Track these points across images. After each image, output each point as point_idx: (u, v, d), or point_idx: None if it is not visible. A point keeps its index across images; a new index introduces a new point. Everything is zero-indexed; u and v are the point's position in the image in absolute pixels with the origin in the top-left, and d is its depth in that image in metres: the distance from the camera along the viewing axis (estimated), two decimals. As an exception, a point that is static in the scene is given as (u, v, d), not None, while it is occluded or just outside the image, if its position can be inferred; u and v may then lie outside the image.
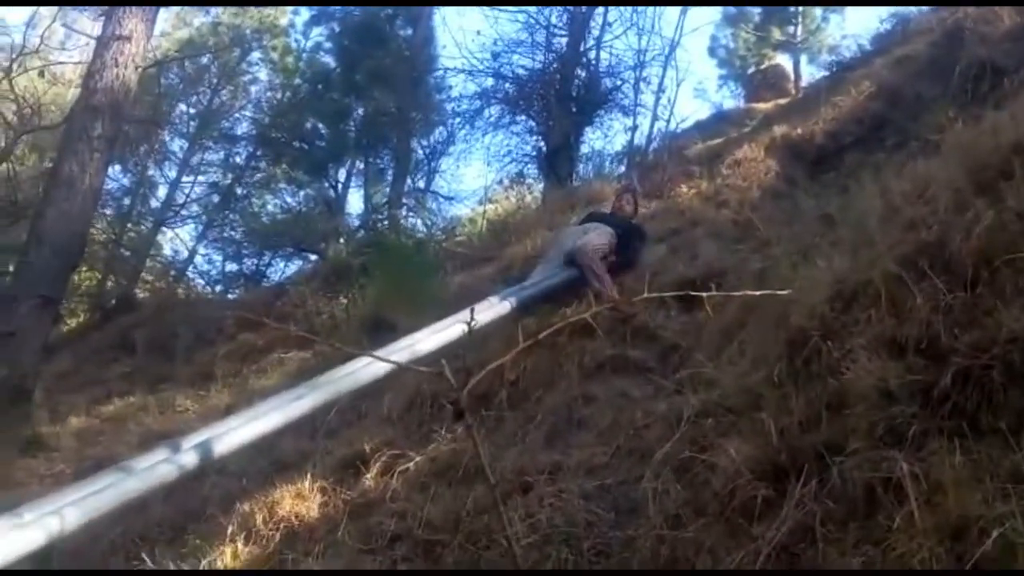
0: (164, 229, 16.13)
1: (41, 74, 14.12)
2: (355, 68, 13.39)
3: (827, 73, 11.09)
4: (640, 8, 11.87)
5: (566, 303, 5.16)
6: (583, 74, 12.73)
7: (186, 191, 16.24)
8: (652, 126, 11.35)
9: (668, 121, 11.20)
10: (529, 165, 13.46)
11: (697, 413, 3.18)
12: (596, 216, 5.92)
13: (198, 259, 15.92)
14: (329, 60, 14.76)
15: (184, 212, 16.10)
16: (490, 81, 13.43)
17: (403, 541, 3.39)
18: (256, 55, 15.98)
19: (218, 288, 14.98)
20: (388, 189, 14.55)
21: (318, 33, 15.33)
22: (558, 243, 5.60)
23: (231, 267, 15.22)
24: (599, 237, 5.35)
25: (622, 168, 11.41)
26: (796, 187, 6.58)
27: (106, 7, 7.66)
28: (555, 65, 12.69)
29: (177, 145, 16.39)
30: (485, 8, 13.32)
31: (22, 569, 1.85)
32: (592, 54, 12.64)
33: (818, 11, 14.17)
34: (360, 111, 13.92)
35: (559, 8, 12.56)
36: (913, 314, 2.61)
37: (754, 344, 3.36)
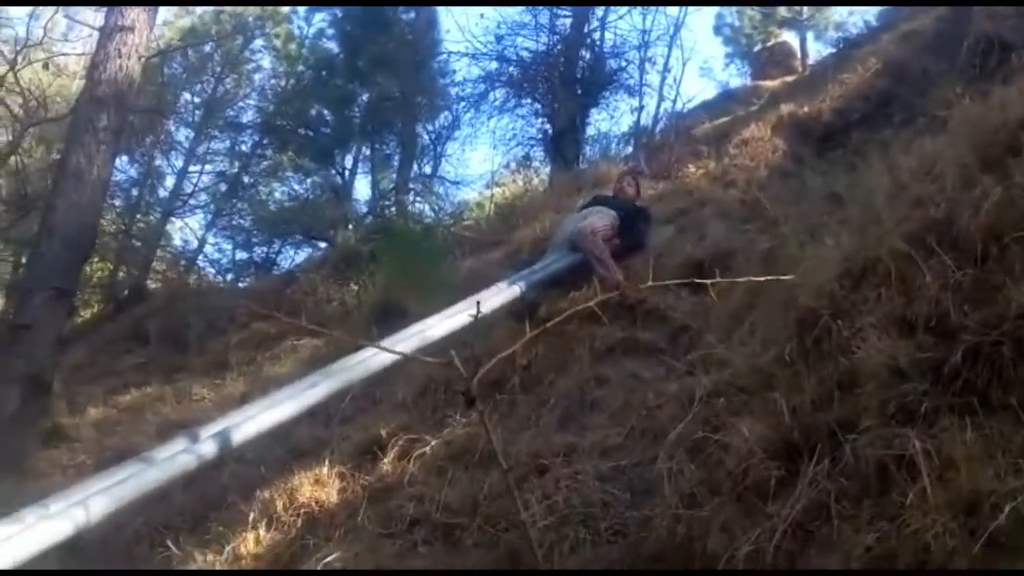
0: (173, 219, 16.15)
1: (45, 66, 14.13)
2: (358, 54, 13.35)
3: (834, 50, 11.02)
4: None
5: (575, 286, 5.19)
6: (587, 55, 12.69)
7: (194, 180, 16.26)
8: (658, 106, 11.36)
9: (674, 101, 11.22)
10: (535, 148, 13.45)
11: (709, 393, 3.22)
12: (599, 200, 5.91)
13: (208, 248, 15.97)
14: (332, 46, 14.72)
15: (192, 201, 16.12)
16: (494, 64, 13.39)
17: (422, 524, 3.45)
18: (259, 42, 15.94)
19: (229, 276, 15.03)
20: (395, 175, 14.55)
21: (320, 19, 15.31)
22: (562, 228, 5.61)
23: (241, 255, 15.26)
24: (600, 219, 5.33)
25: (629, 149, 11.40)
26: (803, 165, 6.58)
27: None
28: (559, 47, 12.63)
29: (183, 135, 16.40)
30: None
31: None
32: (596, 35, 12.60)
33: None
34: (364, 97, 13.89)
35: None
36: (922, 292, 2.63)
37: (764, 324, 3.38)
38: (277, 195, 15.69)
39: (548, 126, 12.89)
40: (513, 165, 13.47)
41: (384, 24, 13.61)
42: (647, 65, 12.02)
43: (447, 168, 15.24)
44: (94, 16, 11.30)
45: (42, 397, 6.33)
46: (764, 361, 3.06)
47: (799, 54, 13.74)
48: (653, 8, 11.88)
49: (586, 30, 12.54)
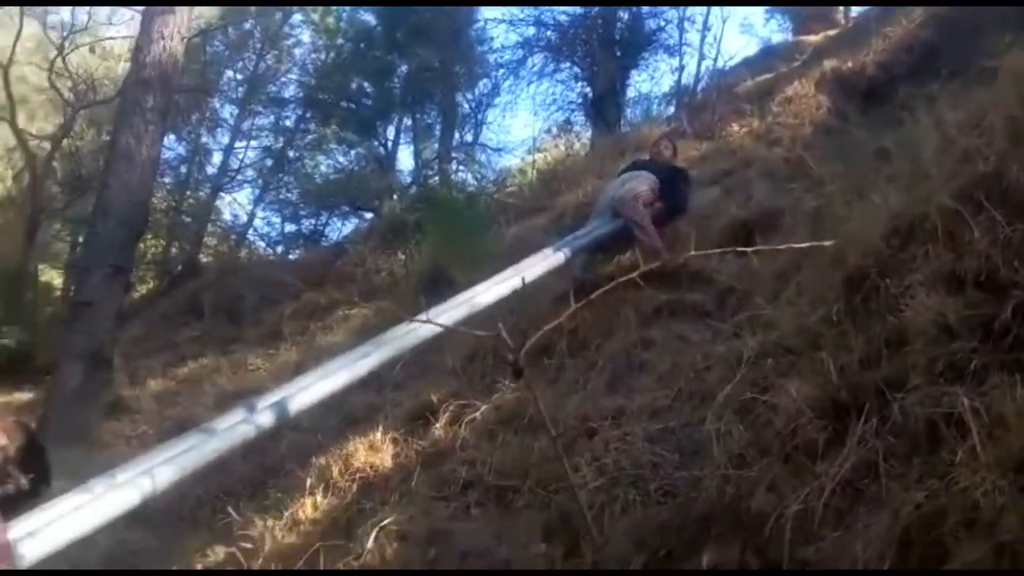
0: (222, 194, 16.44)
1: (92, 50, 14.44)
2: (396, 25, 13.35)
3: (876, 2, 10.72)
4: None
5: (620, 251, 5.20)
6: (625, 16, 12.53)
7: (240, 156, 16.53)
8: (699, 65, 11.21)
9: (715, 59, 11.05)
10: (576, 112, 13.39)
11: (756, 355, 3.21)
12: (637, 164, 5.87)
13: (257, 222, 16.23)
14: (370, 18, 14.72)
15: (240, 177, 16.40)
16: (532, 30, 13.33)
17: (475, 487, 3.54)
18: (297, 17, 15.98)
19: (279, 249, 15.29)
20: (436, 144, 14.60)
21: (358, -9, 15.29)
22: (603, 194, 5.59)
23: (290, 228, 15.50)
24: (640, 184, 5.29)
25: (671, 110, 11.27)
26: (848, 122, 6.46)
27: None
28: (596, 9, 12.48)
29: (228, 112, 16.63)
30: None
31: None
32: (633, -6, 12.42)
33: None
34: (404, 68, 13.90)
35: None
36: (971, 248, 2.59)
37: (811, 284, 3.36)
38: (322, 168, 15.85)
39: (588, 90, 12.81)
40: (554, 130, 13.44)
41: (421, -6, 13.57)
42: (686, 24, 11.85)
43: (488, 135, 15.28)
44: (137, -4, 11.46)
45: (104, 371, 6.56)
46: (811, 321, 3.05)
47: (841, 7, 13.35)
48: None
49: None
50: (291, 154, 15.68)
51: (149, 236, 12.57)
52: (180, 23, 7.46)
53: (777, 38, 14.17)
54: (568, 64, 13.13)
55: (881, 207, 3.22)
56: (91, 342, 6.38)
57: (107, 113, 13.61)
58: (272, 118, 16.27)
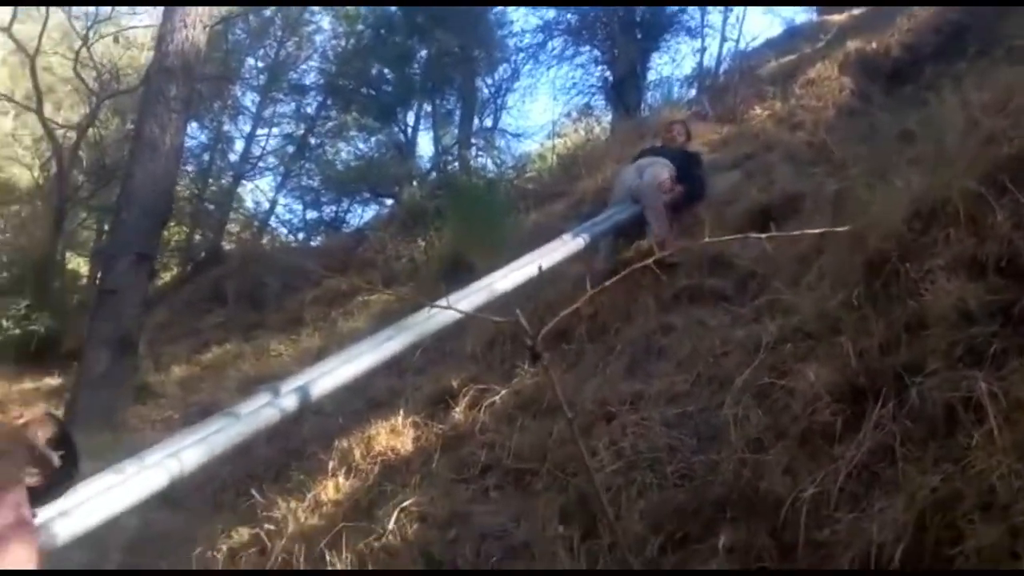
0: (244, 182, 16.54)
1: (116, 40, 14.53)
2: (416, 9, 13.34)
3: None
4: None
5: (641, 235, 5.20)
6: (647, -3, 12.42)
7: (262, 144, 16.61)
8: (721, 47, 11.09)
9: (737, 40, 10.93)
10: (596, 96, 13.34)
11: (776, 339, 3.21)
12: (649, 151, 5.85)
13: (279, 209, 16.34)
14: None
15: (261, 164, 16.49)
16: (551, 12, 13.25)
17: (494, 470, 3.57)
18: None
19: (301, 236, 15.40)
20: (456, 130, 14.60)
21: (378, -23, 15.28)
22: (620, 181, 5.56)
23: (311, 215, 15.59)
24: (661, 170, 5.30)
25: (692, 93, 11.18)
26: (872, 104, 6.39)
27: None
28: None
29: (249, 99, 16.71)
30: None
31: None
32: (654, -24, 12.31)
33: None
34: (423, 53, 13.91)
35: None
36: (993, 232, 2.57)
37: (832, 268, 3.35)
38: (343, 155, 15.88)
39: (608, 73, 12.75)
40: (574, 115, 13.38)
41: (441, -23, 13.54)
42: (708, 5, 11.71)
43: (508, 121, 15.28)
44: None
45: (130, 357, 6.65)
46: (831, 305, 3.04)
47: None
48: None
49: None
50: (312, 141, 15.73)
51: (172, 224, 12.67)
52: (202, 11, 7.51)
53: (801, 18, 13.99)
54: (588, 47, 13.07)
55: (903, 191, 3.20)
56: (117, 329, 6.47)
57: (131, 102, 13.72)
58: (293, 105, 16.34)
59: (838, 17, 10.49)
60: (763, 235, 2.86)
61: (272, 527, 3.75)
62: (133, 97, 13.21)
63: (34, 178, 15.87)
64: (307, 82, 16.15)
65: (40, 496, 1.44)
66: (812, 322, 3.10)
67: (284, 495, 4.01)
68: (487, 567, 2.96)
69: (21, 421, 1.51)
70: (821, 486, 2.21)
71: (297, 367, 4.25)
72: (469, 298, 3.93)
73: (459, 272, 5.95)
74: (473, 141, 14.23)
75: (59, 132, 13.76)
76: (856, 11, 10.25)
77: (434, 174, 13.39)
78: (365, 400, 4.88)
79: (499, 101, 15.18)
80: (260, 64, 16.39)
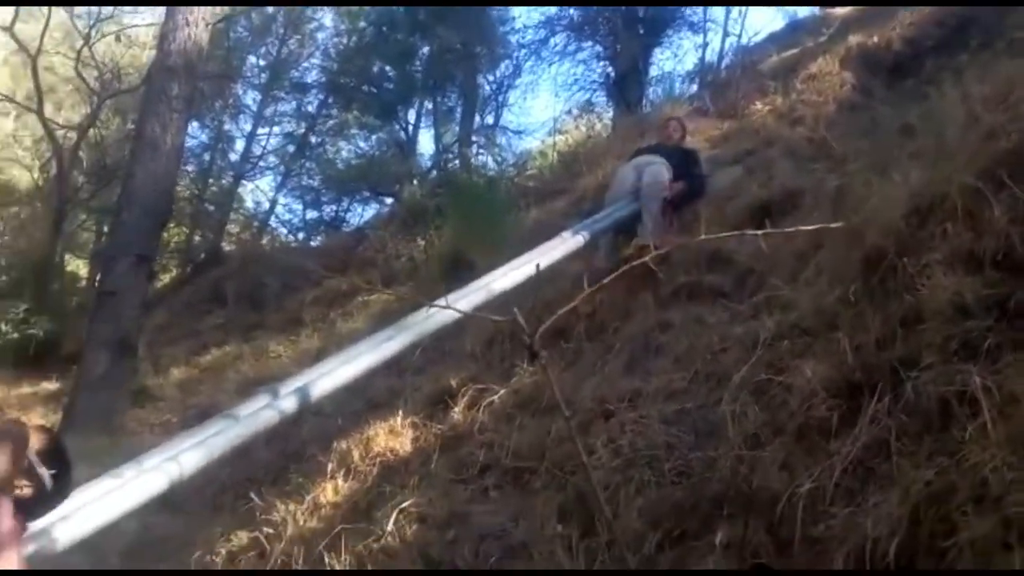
0: (244, 182, 16.60)
1: (118, 39, 14.54)
2: (418, 6, 13.32)
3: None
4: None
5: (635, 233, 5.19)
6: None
7: (262, 143, 16.66)
8: (723, 42, 11.06)
9: (740, 35, 10.90)
10: (597, 93, 13.33)
11: (773, 336, 3.21)
12: (646, 149, 5.84)
13: (279, 209, 16.38)
14: (392, -1, 14.70)
15: (262, 164, 16.54)
16: (554, 8, 13.22)
17: (493, 470, 3.57)
18: (320, -1, 16.00)
19: (301, 236, 15.43)
20: (457, 127, 14.59)
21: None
22: (618, 180, 5.55)
23: (312, 214, 15.62)
24: (663, 170, 5.31)
25: (694, 88, 11.16)
26: (873, 98, 6.37)
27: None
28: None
29: (250, 98, 16.75)
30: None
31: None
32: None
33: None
34: (425, 50, 13.90)
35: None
36: (990, 226, 2.56)
37: (830, 264, 3.34)
38: (344, 153, 15.91)
39: (610, 69, 12.71)
40: (575, 111, 13.36)
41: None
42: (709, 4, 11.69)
43: (509, 118, 15.27)
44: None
45: (129, 360, 6.66)
46: (829, 302, 3.04)
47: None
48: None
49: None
50: (313, 140, 15.75)
51: (172, 224, 12.70)
52: (205, 10, 7.52)
53: (804, 12, 13.95)
54: (590, 43, 13.05)
55: (902, 186, 3.19)
56: (116, 331, 6.48)
57: (132, 102, 13.73)
58: (294, 104, 16.39)
59: (841, 11, 10.46)
60: (759, 232, 2.84)
61: (271, 530, 3.74)
62: (134, 96, 13.23)
63: (34, 179, 15.91)
64: (308, 80, 16.21)
65: (30, 509, 1.43)
66: (809, 318, 3.10)
67: (283, 498, 4.00)
68: (486, 567, 2.96)
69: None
70: (817, 481, 2.21)
71: (296, 368, 4.25)
72: (468, 297, 3.91)
73: (459, 270, 5.96)
74: (474, 139, 14.23)
75: (59, 133, 13.78)
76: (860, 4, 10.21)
77: (435, 172, 13.39)
78: (364, 401, 4.88)
79: (500, 98, 15.20)
80: (262, 62, 16.45)
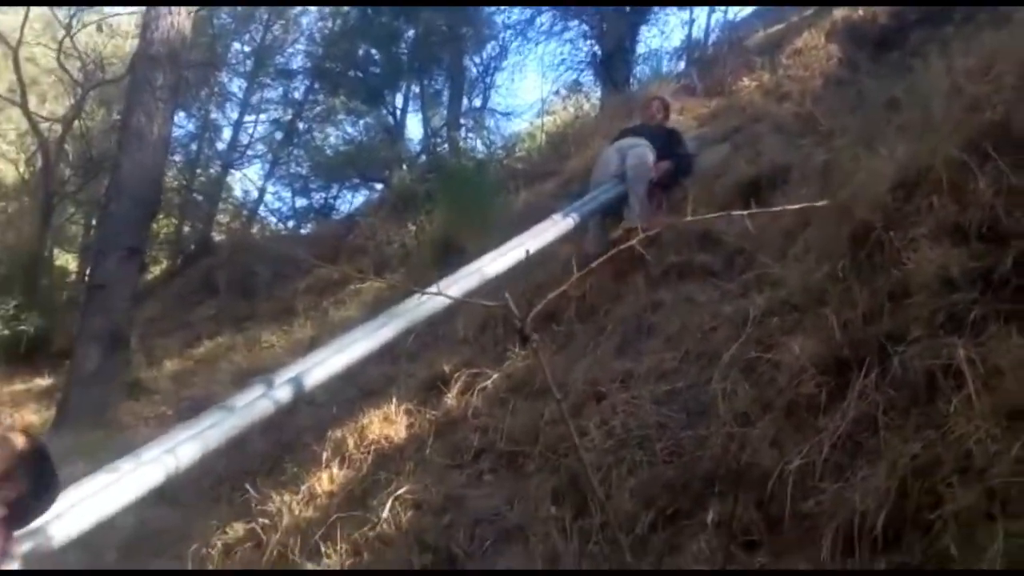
0: (232, 171, 16.48)
1: (99, 28, 14.39)
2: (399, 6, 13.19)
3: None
4: None
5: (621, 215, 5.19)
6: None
7: (249, 131, 16.54)
8: (709, 17, 11.01)
9: (726, 11, 10.84)
10: (585, 72, 13.23)
11: (762, 313, 3.22)
12: (629, 131, 5.82)
13: (268, 197, 16.26)
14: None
15: (250, 152, 16.42)
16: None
17: (487, 454, 3.59)
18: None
19: (290, 224, 15.33)
20: (445, 111, 14.50)
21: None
22: (603, 162, 5.52)
23: (301, 202, 15.49)
24: (648, 152, 5.30)
25: (681, 65, 11.11)
26: (859, 72, 6.36)
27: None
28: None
29: (236, 85, 16.60)
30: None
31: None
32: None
33: None
34: (411, 32, 13.77)
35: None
36: (975, 198, 2.57)
37: (818, 240, 3.35)
38: (332, 140, 15.76)
39: (597, 48, 12.62)
40: (563, 92, 13.29)
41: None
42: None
43: (497, 100, 15.17)
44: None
45: (121, 353, 6.66)
46: (817, 278, 3.05)
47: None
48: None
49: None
50: (300, 126, 15.63)
51: (161, 215, 12.62)
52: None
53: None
54: (576, 22, 12.95)
55: (888, 160, 3.19)
56: (107, 324, 6.47)
57: (116, 92, 13.61)
58: (281, 90, 16.23)
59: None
60: (745, 212, 2.84)
61: (267, 521, 3.76)
62: (119, 87, 13.11)
63: (20, 174, 15.79)
64: (294, 66, 16.04)
65: (14, 516, 1.43)
66: (798, 295, 3.11)
67: (279, 488, 4.02)
68: (481, 552, 2.98)
69: None
70: (806, 457, 2.23)
71: (290, 358, 4.25)
72: (460, 283, 3.92)
73: (451, 255, 5.95)
74: (462, 122, 14.15)
75: (44, 125, 13.66)
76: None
77: (424, 157, 13.31)
78: (358, 388, 4.88)
79: (488, 80, 15.09)
80: (246, 49, 16.27)
